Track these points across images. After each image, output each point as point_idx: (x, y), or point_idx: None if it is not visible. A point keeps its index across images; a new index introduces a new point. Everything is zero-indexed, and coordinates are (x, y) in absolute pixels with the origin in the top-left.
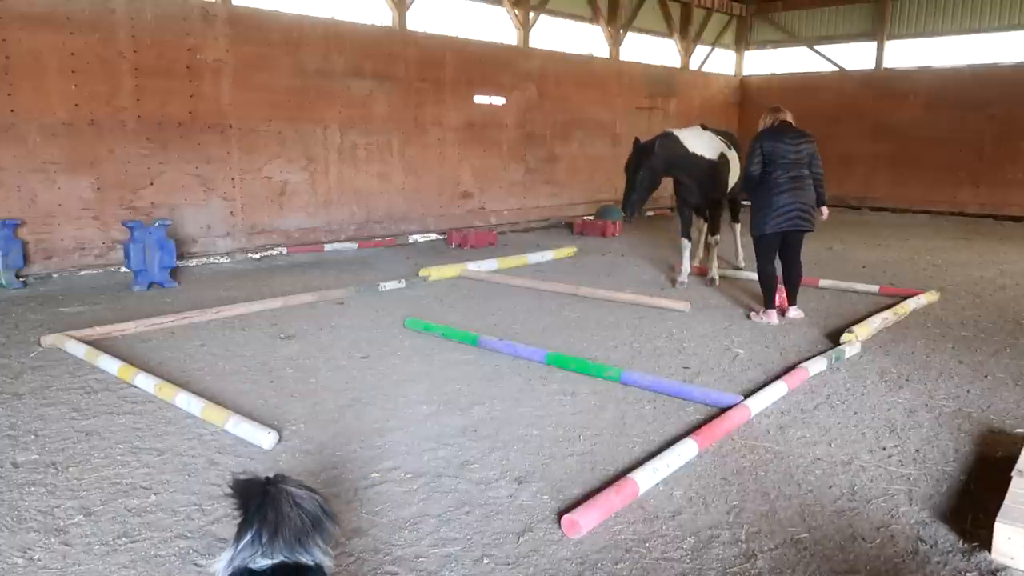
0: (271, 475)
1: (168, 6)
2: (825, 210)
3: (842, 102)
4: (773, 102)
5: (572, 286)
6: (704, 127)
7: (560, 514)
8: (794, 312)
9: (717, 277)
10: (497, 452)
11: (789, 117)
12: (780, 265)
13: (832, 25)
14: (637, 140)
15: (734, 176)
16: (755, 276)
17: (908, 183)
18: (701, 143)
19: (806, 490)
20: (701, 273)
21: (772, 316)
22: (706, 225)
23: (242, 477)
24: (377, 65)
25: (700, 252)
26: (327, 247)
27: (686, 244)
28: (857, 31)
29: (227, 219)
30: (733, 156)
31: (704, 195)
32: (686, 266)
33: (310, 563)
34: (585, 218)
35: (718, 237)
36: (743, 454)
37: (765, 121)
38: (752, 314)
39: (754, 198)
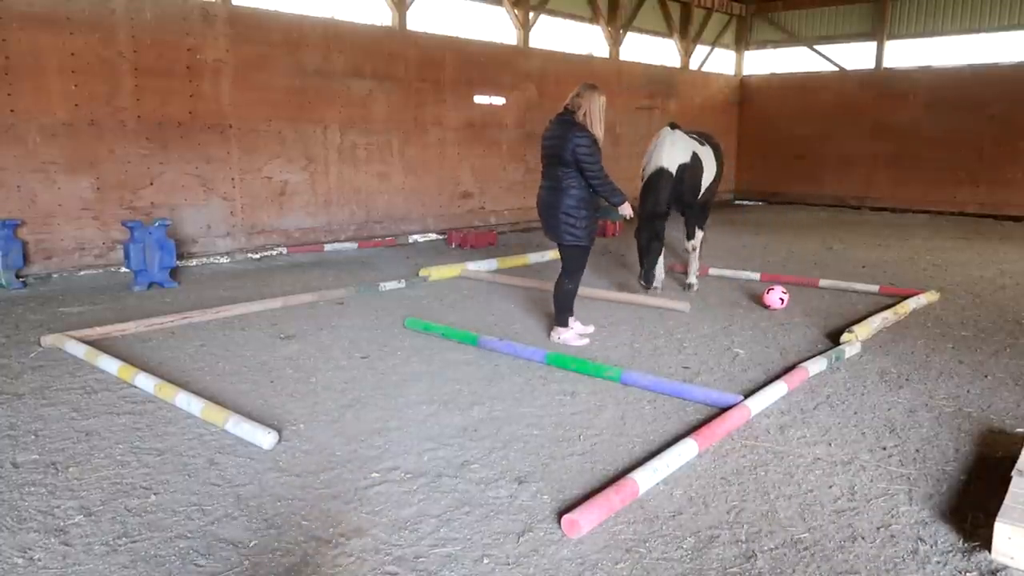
0: None
1: (168, 6)
2: None
3: (842, 102)
4: (773, 102)
5: None
6: (673, 125)
7: (560, 514)
8: (553, 334)
9: (696, 284)
10: (497, 452)
11: (573, 101)
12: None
13: (832, 25)
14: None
15: (707, 178)
16: (753, 276)
17: (908, 183)
18: (671, 154)
19: (806, 490)
20: (683, 271)
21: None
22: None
23: None
24: (377, 65)
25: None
26: (327, 247)
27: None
28: (857, 31)
29: (227, 219)
30: (706, 155)
31: (677, 199)
32: (660, 272)
33: None
34: None
35: (695, 243)
36: (743, 454)
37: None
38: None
39: (590, 202)
